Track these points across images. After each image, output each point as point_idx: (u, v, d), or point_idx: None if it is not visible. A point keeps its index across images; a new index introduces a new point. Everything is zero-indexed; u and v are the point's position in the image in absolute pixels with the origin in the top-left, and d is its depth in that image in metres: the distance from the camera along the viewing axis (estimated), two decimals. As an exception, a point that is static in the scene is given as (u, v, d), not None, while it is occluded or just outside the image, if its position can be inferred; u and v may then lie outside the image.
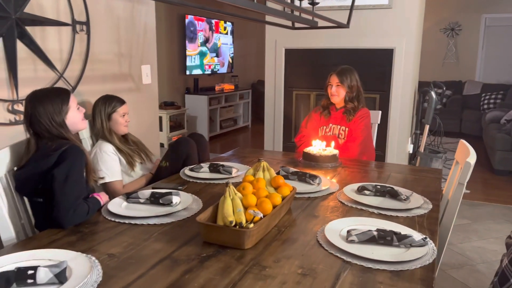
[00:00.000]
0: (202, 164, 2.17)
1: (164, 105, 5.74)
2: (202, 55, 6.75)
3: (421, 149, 3.84)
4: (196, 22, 6.52)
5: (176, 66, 6.42)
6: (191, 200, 1.69)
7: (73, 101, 1.67)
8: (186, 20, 6.28)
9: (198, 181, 2.01)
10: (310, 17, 1.90)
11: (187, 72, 6.45)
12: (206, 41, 6.82)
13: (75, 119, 1.68)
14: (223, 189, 1.86)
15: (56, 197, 1.44)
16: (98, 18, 2.47)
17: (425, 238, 1.31)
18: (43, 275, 1.06)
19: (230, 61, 7.63)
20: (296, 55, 3.83)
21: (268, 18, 3.08)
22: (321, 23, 1.96)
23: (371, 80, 3.53)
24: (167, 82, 6.24)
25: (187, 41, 6.34)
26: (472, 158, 1.63)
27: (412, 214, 1.59)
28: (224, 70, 7.46)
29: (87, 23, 2.38)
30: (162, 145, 5.44)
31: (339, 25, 1.86)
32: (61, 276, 1.07)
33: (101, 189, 2.11)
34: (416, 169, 2.51)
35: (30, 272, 1.06)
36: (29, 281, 1.05)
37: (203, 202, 1.71)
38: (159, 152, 3.24)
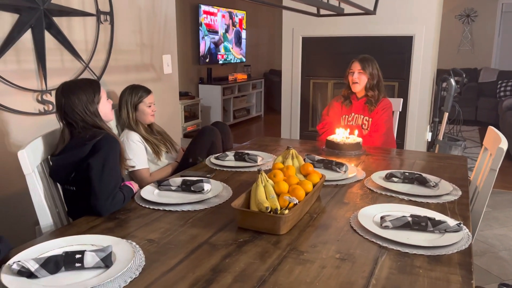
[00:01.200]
0: (227, 153, 2.19)
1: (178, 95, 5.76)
2: (215, 44, 6.74)
3: (440, 137, 3.82)
4: (209, 11, 6.50)
5: (190, 56, 6.42)
6: (221, 188, 1.71)
7: (103, 92, 1.70)
8: (200, 10, 6.26)
9: (225, 169, 2.03)
10: (336, 3, 1.89)
11: (201, 62, 6.46)
12: (220, 30, 6.80)
13: (106, 109, 1.71)
14: (250, 176, 1.92)
15: (94, 186, 1.47)
16: (121, 8, 2.48)
17: (460, 223, 1.32)
18: (90, 259, 1.09)
19: (243, 50, 7.61)
20: (313, 43, 3.81)
21: (290, 4, 3.06)
22: (347, 9, 1.95)
23: (390, 67, 3.51)
24: (181, 72, 6.25)
25: (200, 31, 6.33)
26: (504, 144, 1.63)
27: (442, 200, 1.60)
28: (237, 60, 7.45)
29: (110, 13, 2.40)
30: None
31: (366, 12, 1.85)
32: (107, 260, 1.10)
33: (128, 177, 2.15)
34: (440, 156, 2.50)
35: (77, 256, 1.09)
36: (77, 264, 1.08)
37: (232, 189, 1.73)
38: (180, 141, 3.26)
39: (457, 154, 3.69)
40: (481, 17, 7.47)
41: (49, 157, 1.66)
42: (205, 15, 6.42)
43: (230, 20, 7.11)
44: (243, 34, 7.54)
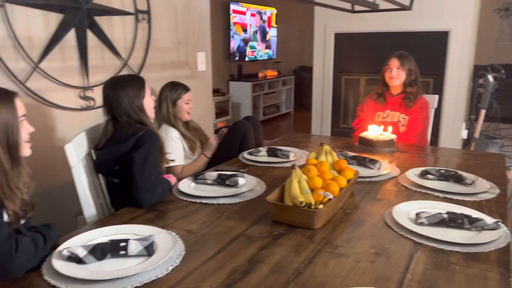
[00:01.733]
0: (260, 148, 2.23)
1: (211, 92, 5.85)
2: (245, 41, 6.78)
3: (476, 134, 3.72)
4: (238, 9, 6.55)
5: (221, 53, 6.49)
6: (255, 182, 1.75)
7: (148, 88, 1.76)
8: (230, 7, 6.32)
9: (258, 164, 2.07)
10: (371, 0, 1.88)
11: (231, 59, 6.51)
12: (250, 27, 6.84)
13: (149, 105, 1.77)
14: (283, 172, 1.94)
15: (135, 179, 1.53)
16: (157, 6, 2.55)
17: (498, 221, 1.30)
18: (133, 247, 1.15)
19: (273, 47, 7.62)
20: (346, 39, 3.79)
21: (323, 1, 3.06)
22: (382, 5, 1.94)
23: (424, 63, 3.43)
24: (212, 69, 6.32)
25: (230, 28, 6.38)
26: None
27: (479, 198, 1.58)
28: (268, 56, 7.47)
29: (148, 12, 2.47)
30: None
31: (402, 7, 1.84)
32: (149, 248, 1.16)
33: (165, 171, 2.22)
34: (476, 153, 2.45)
35: (122, 244, 1.15)
36: (122, 252, 1.14)
37: (266, 184, 1.76)
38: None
39: (495, 152, 3.59)
40: (521, 10, 7.18)
41: (92, 150, 1.74)
42: (235, 13, 6.47)
43: (260, 17, 7.13)
44: (274, 31, 7.54)
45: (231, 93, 6.48)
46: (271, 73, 7.20)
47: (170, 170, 2.21)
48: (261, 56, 7.27)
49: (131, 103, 1.67)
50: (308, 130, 4.27)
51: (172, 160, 2.13)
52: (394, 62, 2.53)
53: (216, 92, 5.96)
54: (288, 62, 8.25)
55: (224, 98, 6.08)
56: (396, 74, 2.52)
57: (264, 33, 7.26)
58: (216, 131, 2.72)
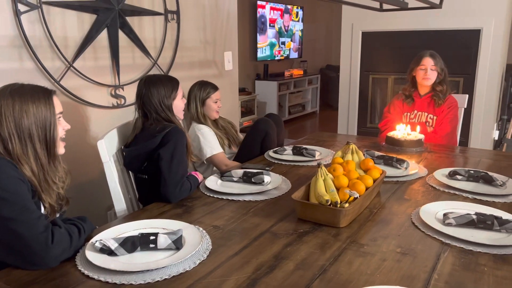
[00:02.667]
0: (285, 147, 2.24)
1: (237, 91, 5.90)
2: (272, 40, 6.79)
3: (509, 135, 3.62)
4: (267, 8, 6.56)
5: (247, 52, 6.53)
6: (280, 180, 1.76)
7: (180, 91, 1.81)
8: (257, 6, 6.34)
9: (283, 163, 2.08)
10: (400, -2, 1.86)
11: (258, 58, 6.54)
12: (276, 26, 6.85)
13: (179, 107, 1.82)
14: (309, 171, 1.95)
15: (163, 175, 1.57)
16: (186, 6, 2.60)
17: (529, 224, 1.27)
18: (163, 241, 1.18)
19: (299, 46, 7.61)
20: (373, 38, 3.75)
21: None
22: (411, 3, 1.91)
23: (455, 62, 3.38)
24: (239, 68, 6.38)
25: (257, 27, 6.41)
26: None
27: (510, 200, 1.54)
28: (294, 55, 7.46)
29: (177, 12, 2.52)
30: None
31: (432, 6, 1.81)
32: (178, 242, 1.19)
33: (193, 168, 2.26)
34: (508, 155, 2.39)
35: (152, 237, 1.19)
36: (151, 245, 1.18)
37: (291, 182, 1.77)
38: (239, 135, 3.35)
39: (527, 154, 3.48)
40: (558, 7, 6.91)
41: (122, 147, 1.79)
42: (262, 11, 6.49)
43: (288, 16, 7.12)
44: (300, 29, 7.52)
45: (257, 92, 6.50)
46: (297, 72, 7.19)
47: (213, 159, 2.24)
48: (288, 55, 7.26)
49: (161, 102, 1.72)
50: (333, 130, 4.25)
51: (199, 159, 2.18)
52: (429, 62, 2.48)
53: (242, 91, 6.01)
54: (314, 61, 8.21)
55: (250, 97, 6.11)
56: (431, 75, 2.49)
57: (291, 32, 7.25)
58: (242, 130, 2.76)
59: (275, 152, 2.20)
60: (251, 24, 6.46)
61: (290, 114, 6.96)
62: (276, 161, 2.10)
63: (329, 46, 8.27)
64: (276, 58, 6.96)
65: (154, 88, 1.73)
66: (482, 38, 3.32)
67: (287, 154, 2.18)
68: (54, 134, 1.22)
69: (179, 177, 1.58)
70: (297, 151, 2.19)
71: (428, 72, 2.48)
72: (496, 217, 1.30)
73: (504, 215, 1.35)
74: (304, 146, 2.23)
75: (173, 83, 1.79)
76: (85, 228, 1.24)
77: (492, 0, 3.25)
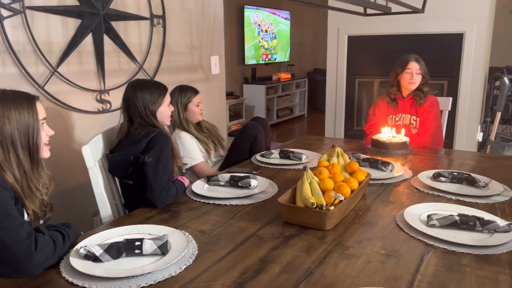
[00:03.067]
0: (272, 151, 2.25)
1: (224, 95, 5.89)
2: (260, 45, 6.82)
3: (492, 137, 3.68)
4: (254, 12, 6.59)
5: (235, 56, 6.54)
6: (267, 184, 1.77)
7: (167, 98, 1.81)
8: (245, 11, 6.36)
9: (270, 166, 2.09)
10: (383, 3, 1.89)
11: (245, 62, 6.55)
12: (263, 31, 6.88)
13: (164, 114, 1.81)
14: (295, 174, 1.96)
15: (149, 180, 1.57)
16: (172, 11, 2.60)
17: (510, 224, 1.30)
18: (148, 246, 1.18)
19: (287, 50, 7.64)
20: (359, 42, 3.79)
21: (336, 4, 3.07)
22: (394, 8, 1.95)
23: (438, 66, 3.43)
24: (226, 72, 6.38)
25: (245, 31, 6.42)
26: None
27: (492, 201, 1.57)
28: (281, 59, 7.49)
29: (163, 17, 2.52)
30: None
31: (414, 10, 1.84)
32: (163, 248, 1.18)
33: (180, 173, 2.25)
34: (491, 156, 2.43)
35: (137, 243, 1.18)
36: (137, 251, 1.17)
37: (278, 186, 1.78)
38: (226, 139, 3.35)
39: (510, 155, 3.54)
40: (539, 11, 7.07)
41: (107, 153, 1.78)
42: (249, 16, 6.51)
43: (275, 20, 7.15)
44: (288, 33, 7.56)
45: (245, 96, 6.51)
46: (284, 75, 7.22)
47: (194, 169, 2.24)
48: (275, 59, 7.29)
49: (146, 107, 1.72)
50: (321, 133, 4.27)
51: (185, 164, 2.17)
52: (414, 66, 2.52)
53: (230, 95, 6.01)
54: (301, 65, 8.26)
55: (238, 101, 6.12)
56: (416, 78, 2.53)
57: (278, 36, 7.28)
58: (230, 134, 2.75)
59: (262, 155, 2.21)
60: (238, 29, 6.48)
61: (278, 118, 6.98)
62: (263, 165, 2.11)
63: (316, 50, 8.33)
64: (264, 62, 6.99)
65: (141, 92, 1.72)
66: (465, 41, 3.38)
67: (274, 157, 2.19)
68: (37, 140, 1.21)
69: (165, 182, 1.57)
70: (284, 154, 2.20)
71: (414, 76, 2.52)
72: (478, 218, 1.32)
73: (486, 215, 1.37)
74: (291, 149, 2.24)
75: (161, 90, 1.78)
76: (69, 234, 1.23)
77: (474, 4, 3.31)
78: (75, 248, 1.19)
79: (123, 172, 1.73)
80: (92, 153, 1.63)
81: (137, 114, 1.73)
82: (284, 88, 7.08)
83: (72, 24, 2.09)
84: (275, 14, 7.12)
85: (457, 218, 1.32)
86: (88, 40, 2.15)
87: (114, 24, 2.23)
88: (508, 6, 7.23)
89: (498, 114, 3.72)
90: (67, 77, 2.10)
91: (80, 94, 2.17)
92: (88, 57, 2.17)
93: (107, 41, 2.22)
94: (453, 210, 1.44)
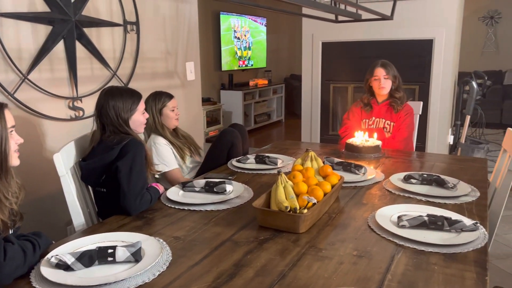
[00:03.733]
0: (248, 156, 2.26)
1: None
2: (236, 51, 6.85)
3: (462, 140, 3.79)
4: (230, 18, 6.62)
5: (212, 62, 6.54)
6: (242, 189, 1.78)
7: (141, 105, 1.79)
8: (221, 17, 6.38)
9: (246, 171, 2.10)
10: (354, 10, 1.94)
11: (222, 68, 6.57)
12: (240, 37, 6.91)
13: (138, 122, 1.79)
14: (271, 178, 1.98)
15: (122, 187, 1.55)
16: (146, 18, 2.59)
17: (476, 223, 1.34)
18: (121, 254, 1.17)
19: (263, 56, 7.70)
20: (333, 48, 3.86)
21: (309, 11, 3.12)
22: (364, 15, 2.00)
23: (410, 71, 3.53)
24: (203, 78, 6.37)
25: (221, 38, 6.45)
26: (522, 145, 1.64)
27: (460, 201, 1.62)
28: (257, 65, 7.54)
29: (136, 23, 2.51)
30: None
31: (383, 17, 1.90)
32: (137, 255, 1.18)
33: (154, 180, 2.24)
34: (460, 158, 2.51)
35: (110, 251, 1.17)
36: (109, 259, 1.16)
37: (253, 190, 1.79)
38: (203, 146, 3.35)
39: (480, 157, 3.66)
40: (505, 18, 7.35)
41: (79, 160, 1.75)
42: (226, 22, 6.54)
43: (252, 26, 7.20)
44: (264, 40, 7.62)
45: (222, 102, 6.52)
46: (261, 81, 7.26)
47: (167, 176, 2.23)
48: (252, 65, 7.33)
49: (118, 115, 1.70)
50: (299, 138, 4.32)
51: (159, 171, 2.16)
52: (381, 72, 2.58)
53: (207, 101, 6.00)
54: (278, 71, 8.33)
55: (215, 107, 6.12)
56: (385, 84, 2.58)
57: (255, 42, 7.33)
58: (207, 140, 2.75)
59: (238, 161, 2.22)
60: (214, 35, 6.49)
61: (256, 123, 7.01)
62: (239, 170, 2.12)
63: (293, 56, 8.41)
64: (241, 68, 7.01)
65: (113, 100, 1.71)
66: (434, 47, 3.48)
67: (250, 162, 2.20)
68: (5, 148, 1.18)
69: (138, 189, 1.56)
70: (259, 159, 2.21)
71: (381, 81, 2.58)
72: (446, 218, 1.36)
73: (454, 215, 1.42)
74: (267, 154, 2.26)
75: (134, 98, 1.76)
76: (40, 243, 1.21)
77: (442, 11, 3.42)
78: (46, 257, 1.17)
79: (96, 180, 1.71)
80: (64, 161, 1.61)
81: (109, 122, 1.71)
82: (261, 94, 7.11)
83: (42, 30, 2.06)
84: (252, 19, 7.16)
85: (426, 218, 1.36)
86: (60, 46, 2.12)
87: (86, 30, 2.21)
88: (476, 12, 7.49)
89: (468, 118, 3.85)
90: (38, 84, 2.07)
91: (52, 101, 2.13)
92: (60, 64, 2.14)
93: (79, 47, 2.19)
94: (423, 211, 1.48)
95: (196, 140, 2.77)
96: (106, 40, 2.36)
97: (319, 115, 4.04)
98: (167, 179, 2.22)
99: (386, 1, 3.39)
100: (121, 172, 1.58)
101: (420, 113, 2.84)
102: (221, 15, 6.39)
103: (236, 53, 6.87)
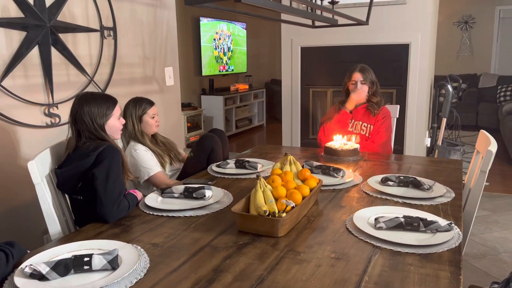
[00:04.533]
0: (228, 161, 2.26)
1: (181, 106, 5.85)
2: (216, 56, 6.85)
3: (439, 142, 3.87)
4: (210, 23, 6.62)
5: (192, 67, 6.53)
6: (222, 194, 1.77)
7: (117, 110, 1.77)
8: (200, 22, 6.38)
9: (226, 176, 2.10)
10: (330, 16, 1.97)
11: (203, 73, 6.56)
12: (220, 42, 6.92)
13: (114, 128, 1.77)
14: (251, 183, 1.98)
15: (99, 194, 1.53)
16: (123, 23, 2.57)
17: (451, 223, 1.37)
18: (97, 262, 1.15)
19: (244, 61, 7.72)
20: (312, 53, 3.90)
21: (287, 17, 3.15)
22: (340, 21, 2.03)
23: (387, 75, 3.59)
24: (183, 83, 6.36)
25: (201, 43, 6.44)
26: (493, 146, 1.69)
27: (435, 202, 1.65)
28: (238, 70, 7.55)
29: (113, 29, 2.49)
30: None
31: (359, 22, 1.93)
32: (113, 262, 1.16)
33: (132, 186, 2.22)
34: (436, 160, 2.56)
35: (86, 259, 1.15)
36: (85, 267, 1.15)
37: (233, 195, 1.79)
38: (183, 151, 3.33)
39: (456, 159, 3.74)
40: (479, 23, 7.56)
41: (55, 168, 1.72)
42: (206, 27, 6.54)
43: (231, 32, 7.22)
44: (244, 45, 7.65)
45: (203, 107, 6.50)
46: (242, 86, 7.27)
47: (152, 180, 2.21)
48: (232, 70, 7.34)
49: (93, 120, 1.68)
50: (280, 142, 4.34)
51: (137, 177, 2.14)
52: (358, 77, 2.62)
53: (187, 106, 5.97)
54: (259, 75, 8.36)
55: (196, 112, 6.09)
56: (361, 88, 2.62)
57: (235, 47, 7.34)
58: (188, 145, 2.73)
59: (218, 166, 2.21)
60: (194, 40, 6.48)
61: (238, 128, 7.01)
62: (218, 175, 2.11)
63: (273, 61, 8.46)
64: (221, 73, 7.02)
65: (87, 106, 1.68)
66: (410, 51, 3.55)
67: (230, 167, 2.20)
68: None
69: (115, 196, 1.55)
70: (239, 164, 2.21)
71: (358, 86, 2.62)
72: (422, 219, 1.38)
73: (429, 216, 1.45)
74: (247, 159, 2.26)
75: (109, 103, 1.74)
76: (13, 253, 1.18)
77: (418, 17, 3.50)
78: (20, 267, 1.14)
79: (72, 187, 1.68)
80: (39, 169, 1.58)
81: (85, 128, 1.69)
82: (242, 99, 7.13)
83: (16, 36, 2.02)
84: (232, 25, 7.18)
85: (402, 220, 1.38)
86: (35, 52, 2.08)
87: (62, 36, 2.18)
88: (451, 17, 7.68)
89: (444, 120, 3.93)
90: (12, 91, 2.03)
91: (27, 108, 2.09)
92: (35, 70, 2.10)
93: (55, 53, 2.16)
94: (399, 212, 1.50)
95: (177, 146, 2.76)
96: (83, 46, 2.33)
97: (299, 120, 4.07)
98: (152, 183, 2.20)
99: (363, 6, 3.45)
100: (98, 180, 1.56)
101: (397, 116, 2.89)
102: (201, 21, 6.39)
103: (217, 58, 6.87)
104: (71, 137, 1.72)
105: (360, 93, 2.63)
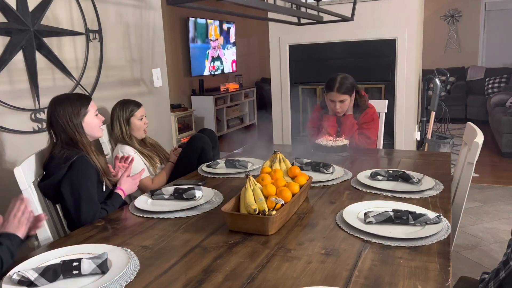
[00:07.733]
0: (218, 160, 2.25)
1: (171, 108, 5.81)
2: (206, 56, 6.83)
3: (429, 135, 3.90)
4: (199, 23, 6.60)
5: (181, 68, 6.50)
6: (212, 194, 1.77)
7: (92, 107, 1.75)
8: (189, 22, 6.36)
9: (216, 176, 2.09)
10: (315, 13, 1.97)
11: (192, 74, 6.54)
12: (209, 42, 6.90)
13: (92, 125, 1.75)
14: (241, 182, 1.97)
15: (74, 217, 1.56)
16: (109, 25, 2.55)
17: (439, 215, 1.38)
18: (86, 266, 1.15)
19: (233, 60, 7.71)
20: (300, 50, 3.90)
21: (273, 15, 3.15)
22: (326, 17, 2.03)
23: (375, 70, 3.60)
24: (173, 84, 6.34)
25: (190, 43, 6.42)
26: (479, 138, 1.70)
27: (425, 195, 1.66)
28: (228, 70, 7.54)
29: (99, 31, 2.47)
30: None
31: (344, 19, 1.93)
32: (103, 266, 1.16)
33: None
34: (425, 153, 2.58)
35: (75, 264, 1.15)
36: (75, 272, 1.14)
37: (224, 195, 1.79)
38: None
39: (446, 152, 3.77)
40: (465, 16, 7.62)
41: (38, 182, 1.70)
42: (194, 28, 6.51)
43: (220, 31, 7.20)
44: (233, 44, 7.63)
45: (194, 108, 6.48)
46: (232, 86, 7.27)
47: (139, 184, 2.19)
48: (222, 70, 7.33)
49: (69, 120, 1.66)
50: (272, 140, 4.34)
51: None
52: (337, 97, 2.50)
53: (178, 107, 5.95)
54: (249, 75, 8.35)
55: (187, 113, 6.07)
56: (341, 107, 2.53)
57: (229, 47, 7.33)
58: (180, 146, 2.71)
59: (209, 166, 2.21)
60: (183, 41, 6.46)
61: (229, 128, 7.00)
62: (209, 175, 2.11)
63: (263, 60, 8.45)
64: (211, 73, 7.00)
65: (61, 106, 1.66)
66: (397, 46, 3.57)
67: (220, 167, 2.20)
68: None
69: (90, 217, 1.56)
70: (230, 163, 2.21)
71: (337, 106, 2.52)
72: (411, 212, 1.39)
73: (418, 209, 1.46)
74: (237, 158, 2.26)
75: (82, 100, 1.72)
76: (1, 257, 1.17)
77: (403, 12, 3.51)
78: (8, 274, 1.13)
79: (54, 198, 1.68)
80: (26, 175, 1.57)
81: (61, 130, 1.66)
82: (232, 98, 7.12)
83: None
84: (221, 24, 7.16)
85: (391, 213, 1.39)
86: (19, 57, 2.06)
87: (46, 40, 2.16)
88: (437, 12, 7.73)
89: (433, 114, 3.96)
90: (-3, 96, 2.00)
91: (12, 113, 2.07)
92: (20, 75, 2.08)
93: (40, 58, 2.14)
94: (389, 206, 1.51)
95: (166, 148, 2.75)
96: (68, 49, 2.31)
97: (289, 118, 4.07)
98: (139, 188, 2.18)
99: (348, 2, 3.46)
100: (69, 204, 1.57)
101: (386, 111, 2.90)
102: (190, 20, 6.37)
103: (206, 58, 6.85)
104: (47, 146, 1.70)
105: (341, 111, 2.55)
